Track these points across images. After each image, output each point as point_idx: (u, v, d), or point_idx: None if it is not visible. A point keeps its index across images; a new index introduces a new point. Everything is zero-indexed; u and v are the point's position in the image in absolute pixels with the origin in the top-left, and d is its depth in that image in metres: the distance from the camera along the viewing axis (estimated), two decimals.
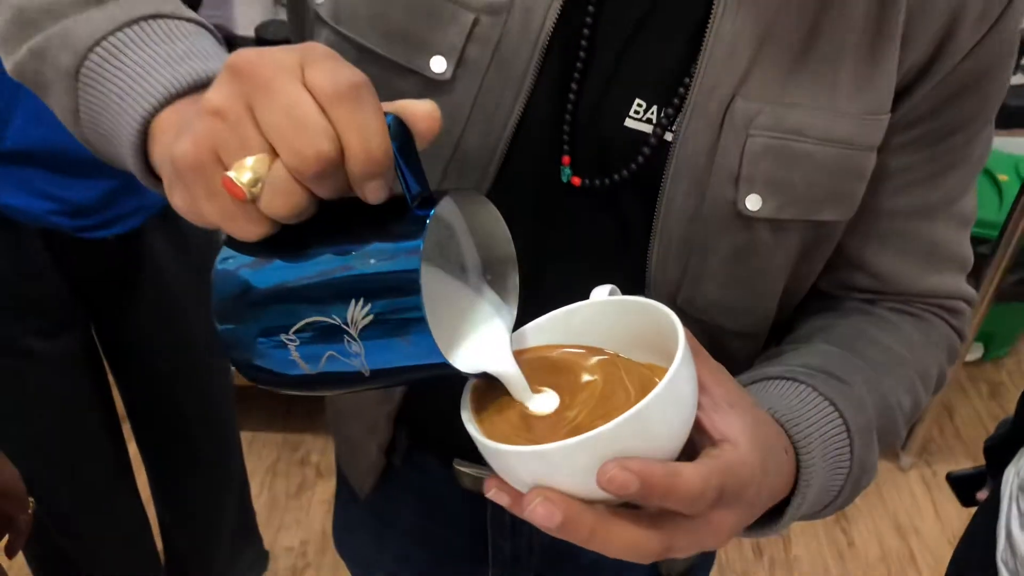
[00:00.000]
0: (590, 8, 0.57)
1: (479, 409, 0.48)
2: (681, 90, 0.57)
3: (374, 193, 0.41)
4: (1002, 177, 2.18)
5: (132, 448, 1.52)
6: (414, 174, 0.43)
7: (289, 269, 0.43)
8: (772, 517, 0.55)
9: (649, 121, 0.58)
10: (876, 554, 1.98)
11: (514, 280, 0.51)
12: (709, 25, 0.55)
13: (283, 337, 0.43)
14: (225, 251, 0.46)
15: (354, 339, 0.42)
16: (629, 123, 0.59)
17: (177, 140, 0.41)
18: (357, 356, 0.43)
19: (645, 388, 0.46)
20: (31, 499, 1.03)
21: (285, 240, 0.43)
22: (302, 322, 0.43)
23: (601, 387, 0.48)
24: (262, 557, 1.80)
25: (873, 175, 0.61)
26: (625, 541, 0.43)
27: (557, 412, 0.47)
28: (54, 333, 1.26)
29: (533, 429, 0.46)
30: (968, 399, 2.36)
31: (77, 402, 1.33)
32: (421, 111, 0.42)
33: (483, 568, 0.92)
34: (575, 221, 0.63)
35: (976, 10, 0.56)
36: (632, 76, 0.58)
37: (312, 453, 2.17)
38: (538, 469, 0.43)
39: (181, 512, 1.62)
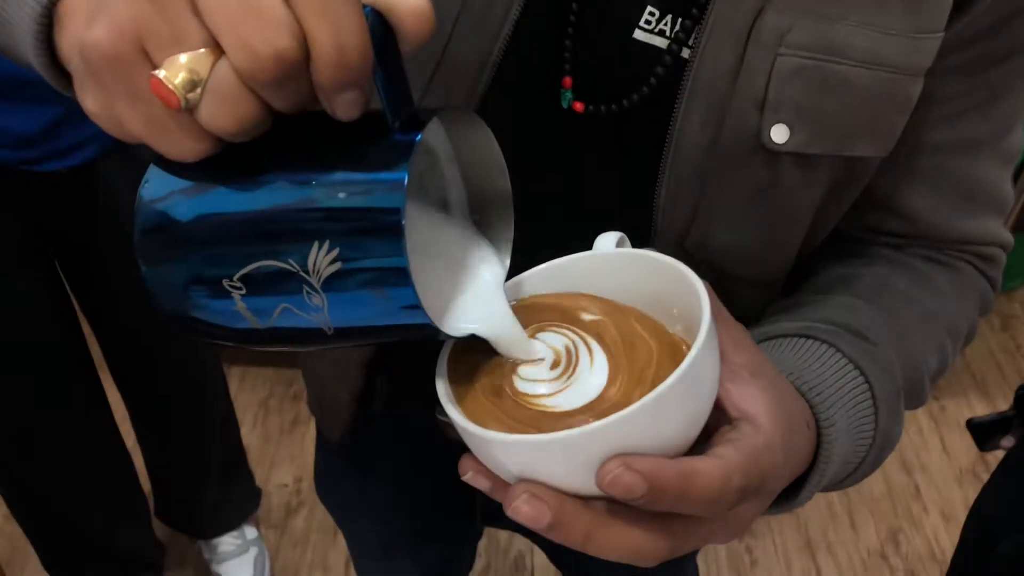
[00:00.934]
0: None
1: (457, 378, 0.41)
2: None
3: (346, 107, 0.33)
4: None
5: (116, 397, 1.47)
6: (396, 86, 0.34)
7: (234, 199, 0.35)
8: (785, 494, 0.49)
9: (662, 34, 0.50)
10: (881, 490, 1.94)
11: (508, 220, 0.43)
12: None
13: (226, 284, 0.36)
14: (152, 172, 0.37)
15: (315, 290, 0.34)
16: (639, 35, 0.50)
17: (90, 25, 0.32)
18: (318, 310, 0.35)
19: (664, 348, 0.39)
20: None
21: (230, 162, 0.35)
22: (250, 267, 0.35)
23: (621, 346, 0.40)
24: (254, 495, 1.76)
25: (915, 104, 0.52)
26: (626, 545, 0.36)
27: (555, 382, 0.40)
28: (11, 272, 1.18)
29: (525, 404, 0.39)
30: (979, 331, 2.29)
31: (42, 343, 1.26)
32: (410, 5, 0.33)
33: (471, 521, 0.87)
34: (575, 153, 0.55)
35: None
36: None
37: (305, 390, 2.11)
38: (528, 460, 0.36)
39: (165, 453, 1.58)
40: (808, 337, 0.53)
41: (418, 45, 0.34)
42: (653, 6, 0.50)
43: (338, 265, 0.34)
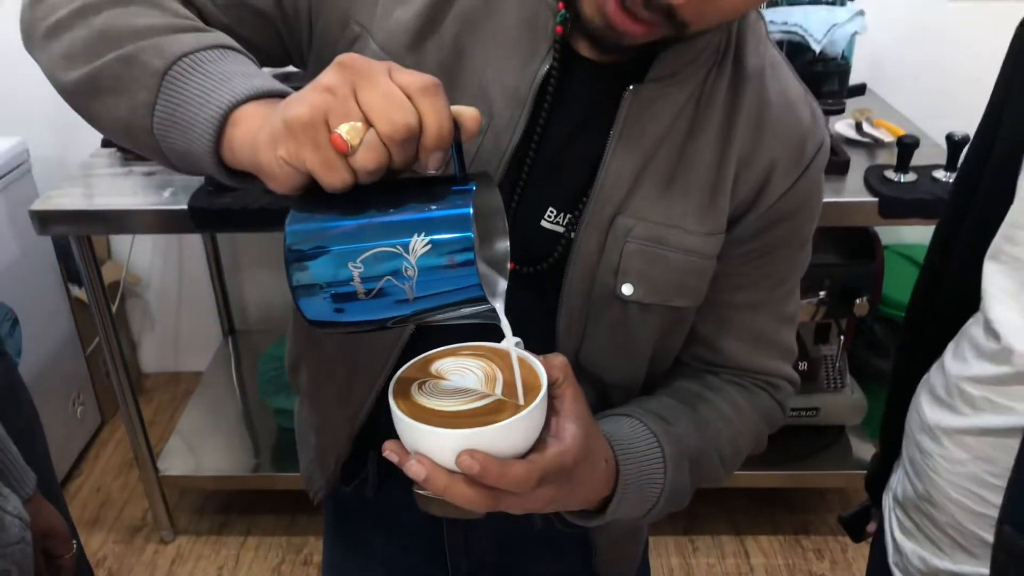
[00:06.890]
0: (534, 143, 0.71)
1: (402, 391, 0.59)
2: (581, 205, 0.72)
3: (436, 161, 0.49)
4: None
5: None
6: (460, 156, 0.52)
7: (362, 215, 0.51)
8: (597, 513, 0.70)
9: (558, 223, 0.73)
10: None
11: (503, 250, 0.60)
12: (602, 161, 0.70)
13: (350, 265, 0.50)
14: (299, 212, 0.52)
15: (411, 264, 0.50)
16: (544, 224, 0.73)
17: (289, 107, 0.49)
18: (408, 280, 0.50)
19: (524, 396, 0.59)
20: (74, 540, 1.02)
21: (355, 196, 0.51)
22: (371, 251, 0.50)
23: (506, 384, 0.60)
24: None
25: (715, 275, 0.76)
26: (466, 497, 0.56)
27: (480, 396, 0.59)
28: None
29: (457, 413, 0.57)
30: None
31: None
32: (470, 113, 0.51)
33: None
34: (509, 296, 0.66)
35: (786, 166, 0.73)
36: (550, 190, 0.73)
37: (315, 554, 2.21)
38: (416, 440, 0.56)
39: None
40: (626, 416, 0.74)
41: (472, 136, 0.51)
42: (553, 207, 0.72)
43: (428, 246, 0.49)
